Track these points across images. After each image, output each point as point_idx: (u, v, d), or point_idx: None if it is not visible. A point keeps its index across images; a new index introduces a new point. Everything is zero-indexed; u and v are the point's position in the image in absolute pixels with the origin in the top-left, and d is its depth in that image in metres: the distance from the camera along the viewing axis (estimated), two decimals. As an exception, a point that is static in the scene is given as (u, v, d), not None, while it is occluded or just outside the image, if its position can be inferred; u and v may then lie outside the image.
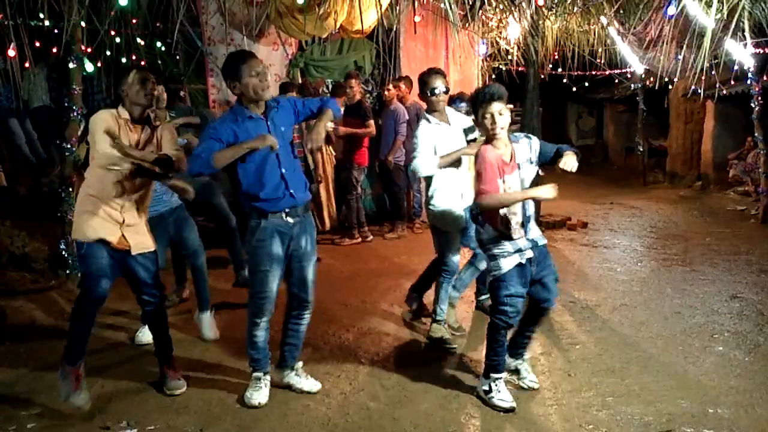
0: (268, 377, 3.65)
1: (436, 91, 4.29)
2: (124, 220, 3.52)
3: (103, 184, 3.48)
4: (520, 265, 3.41)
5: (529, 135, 3.56)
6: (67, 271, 5.78)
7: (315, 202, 7.40)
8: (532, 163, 3.46)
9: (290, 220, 3.46)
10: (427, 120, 4.35)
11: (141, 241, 3.60)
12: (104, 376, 3.94)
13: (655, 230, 8.60)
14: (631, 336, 4.54)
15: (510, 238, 3.39)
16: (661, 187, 13.02)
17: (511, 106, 3.43)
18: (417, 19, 6.60)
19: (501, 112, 3.35)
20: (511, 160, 3.41)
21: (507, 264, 3.42)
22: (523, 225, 3.41)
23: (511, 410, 3.43)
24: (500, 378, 3.54)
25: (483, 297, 4.99)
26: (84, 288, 3.50)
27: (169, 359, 3.81)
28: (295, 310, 3.66)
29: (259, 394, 3.58)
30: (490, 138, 3.43)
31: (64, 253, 5.81)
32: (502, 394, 3.49)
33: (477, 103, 3.42)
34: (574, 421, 3.34)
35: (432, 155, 4.22)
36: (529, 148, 3.47)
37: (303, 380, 3.73)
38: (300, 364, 3.78)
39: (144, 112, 3.59)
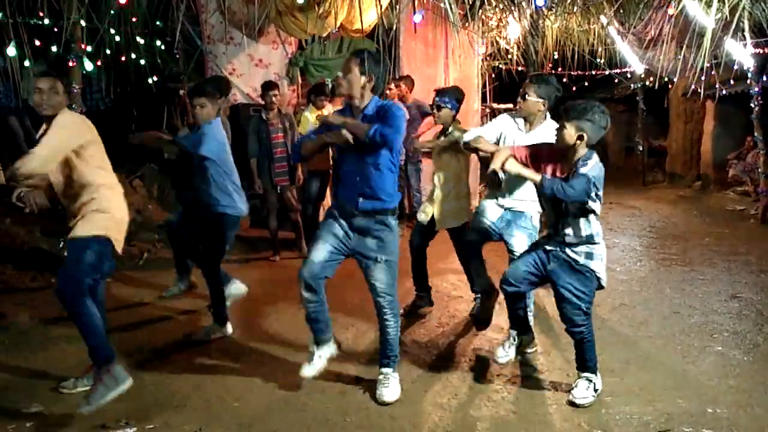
0: (323, 350, 3.69)
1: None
2: (69, 224, 3.58)
3: None
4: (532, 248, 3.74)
5: (587, 162, 3.36)
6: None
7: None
8: None
9: (352, 214, 3.56)
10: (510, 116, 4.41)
11: (71, 234, 3.56)
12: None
13: (654, 230, 8.61)
14: (630, 335, 4.55)
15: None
16: (661, 187, 13.03)
17: (572, 124, 3.37)
18: (417, 19, 6.60)
19: (560, 127, 3.42)
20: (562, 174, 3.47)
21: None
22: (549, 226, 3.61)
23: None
24: (508, 335, 4.05)
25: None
26: None
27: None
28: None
29: (307, 368, 3.65)
30: None
31: (63, 251, 5.80)
32: (498, 349, 4.00)
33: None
34: (573, 420, 3.34)
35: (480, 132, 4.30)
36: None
37: (381, 388, 3.62)
38: (388, 371, 3.67)
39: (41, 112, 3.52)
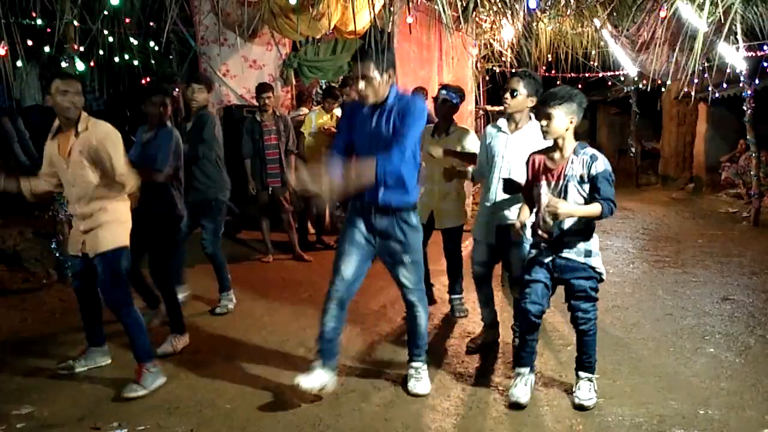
0: (328, 369, 3.53)
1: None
2: (82, 227, 3.67)
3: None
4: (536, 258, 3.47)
5: (596, 156, 3.30)
6: (58, 270, 5.75)
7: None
8: (584, 182, 3.28)
9: (376, 214, 3.44)
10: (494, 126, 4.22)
11: (94, 243, 3.64)
12: (95, 376, 3.94)
13: (647, 232, 8.63)
14: (622, 337, 4.55)
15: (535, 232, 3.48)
16: (654, 189, 13.08)
17: (561, 109, 3.28)
18: (409, 20, 6.62)
19: (548, 116, 3.30)
20: (557, 168, 3.34)
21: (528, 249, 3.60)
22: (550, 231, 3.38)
23: (515, 406, 3.44)
24: (521, 373, 3.52)
25: (454, 296, 5.05)
26: None
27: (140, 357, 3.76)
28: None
29: (306, 378, 3.45)
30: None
31: (55, 252, 5.78)
32: (516, 389, 3.48)
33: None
34: (566, 422, 3.34)
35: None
36: (583, 166, 3.29)
37: (413, 382, 3.67)
38: (419, 365, 3.70)
39: (69, 120, 3.63)
